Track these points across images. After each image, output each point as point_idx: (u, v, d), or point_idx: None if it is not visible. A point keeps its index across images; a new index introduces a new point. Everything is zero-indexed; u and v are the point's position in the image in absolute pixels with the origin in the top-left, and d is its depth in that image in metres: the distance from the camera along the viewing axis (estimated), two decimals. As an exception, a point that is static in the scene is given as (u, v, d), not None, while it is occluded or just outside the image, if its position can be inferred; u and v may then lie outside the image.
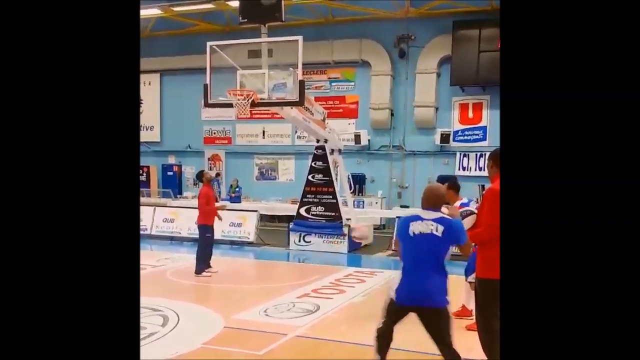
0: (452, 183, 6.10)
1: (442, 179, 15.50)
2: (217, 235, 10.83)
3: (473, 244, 4.22)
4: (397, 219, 4.30)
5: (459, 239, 3.82)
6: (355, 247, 12.01)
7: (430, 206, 3.88)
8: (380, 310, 4.04)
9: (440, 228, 3.76)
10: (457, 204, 5.90)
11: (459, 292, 6.35)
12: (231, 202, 14.44)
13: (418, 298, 3.77)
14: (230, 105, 9.81)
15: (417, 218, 3.85)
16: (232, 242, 12.75)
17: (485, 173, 5.22)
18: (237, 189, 15.77)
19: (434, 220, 3.80)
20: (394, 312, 3.90)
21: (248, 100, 9.42)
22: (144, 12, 15.06)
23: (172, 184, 18.18)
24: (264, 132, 17.70)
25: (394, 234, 4.18)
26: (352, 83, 16.85)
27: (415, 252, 3.82)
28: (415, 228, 3.80)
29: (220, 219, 9.36)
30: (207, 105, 10.44)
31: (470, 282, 6.01)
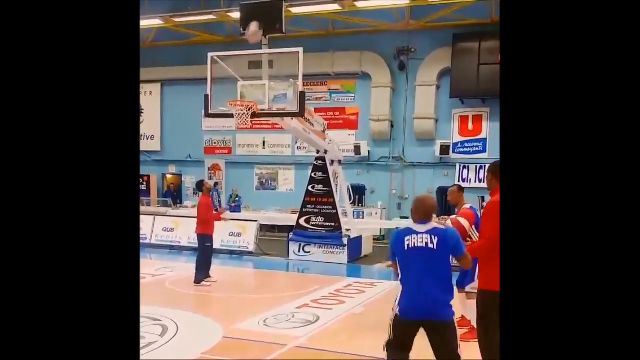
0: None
1: (442, 191, 15.60)
2: (217, 244, 10.83)
3: (472, 257, 4.20)
4: (396, 229, 4.19)
5: (456, 249, 3.77)
6: (355, 258, 12.01)
7: (422, 218, 3.82)
8: (380, 321, 4.02)
9: (435, 239, 3.71)
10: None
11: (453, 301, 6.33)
12: (231, 212, 14.44)
13: (422, 312, 3.71)
14: (230, 116, 9.86)
15: (411, 232, 3.78)
16: (231, 252, 12.74)
17: (485, 185, 5.26)
18: (237, 199, 15.80)
19: (428, 232, 3.74)
20: (400, 328, 3.79)
21: (248, 112, 9.47)
22: (146, 23, 15.14)
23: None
24: (264, 142, 17.74)
25: (390, 248, 4.05)
26: (353, 94, 16.92)
27: (413, 266, 3.75)
28: (411, 242, 3.74)
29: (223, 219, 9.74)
30: (207, 115, 10.49)
31: (467, 292, 6.03)
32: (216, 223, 9.24)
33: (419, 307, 3.72)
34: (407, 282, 3.78)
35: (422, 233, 3.74)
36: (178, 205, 16.90)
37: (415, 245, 3.73)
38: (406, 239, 3.76)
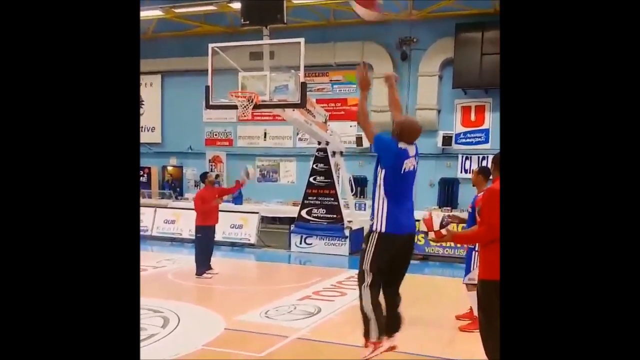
0: (482, 168, 6.35)
1: (444, 182, 15.58)
2: (218, 236, 10.82)
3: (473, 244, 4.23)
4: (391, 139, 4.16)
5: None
6: (357, 249, 11.99)
7: (414, 140, 4.12)
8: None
9: (415, 164, 4.13)
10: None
11: (452, 294, 6.31)
12: (234, 204, 14.42)
13: (409, 225, 4.11)
14: (231, 107, 9.82)
15: (407, 155, 4.05)
16: (233, 244, 12.74)
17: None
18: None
19: (416, 155, 4.12)
20: (386, 246, 4.02)
21: (250, 103, 9.42)
22: (146, 14, 15.05)
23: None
24: (265, 134, 17.67)
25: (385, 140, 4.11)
26: (354, 85, 16.81)
27: (402, 187, 4.08)
28: (406, 167, 4.02)
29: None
30: (208, 107, 10.45)
31: (467, 284, 5.99)
32: (219, 216, 9.22)
33: (407, 220, 4.10)
34: (393, 201, 4.05)
35: (413, 156, 4.11)
36: (179, 197, 16.88)
37: (409, 169, 4.06)
38: (405, 163, 4.03)
